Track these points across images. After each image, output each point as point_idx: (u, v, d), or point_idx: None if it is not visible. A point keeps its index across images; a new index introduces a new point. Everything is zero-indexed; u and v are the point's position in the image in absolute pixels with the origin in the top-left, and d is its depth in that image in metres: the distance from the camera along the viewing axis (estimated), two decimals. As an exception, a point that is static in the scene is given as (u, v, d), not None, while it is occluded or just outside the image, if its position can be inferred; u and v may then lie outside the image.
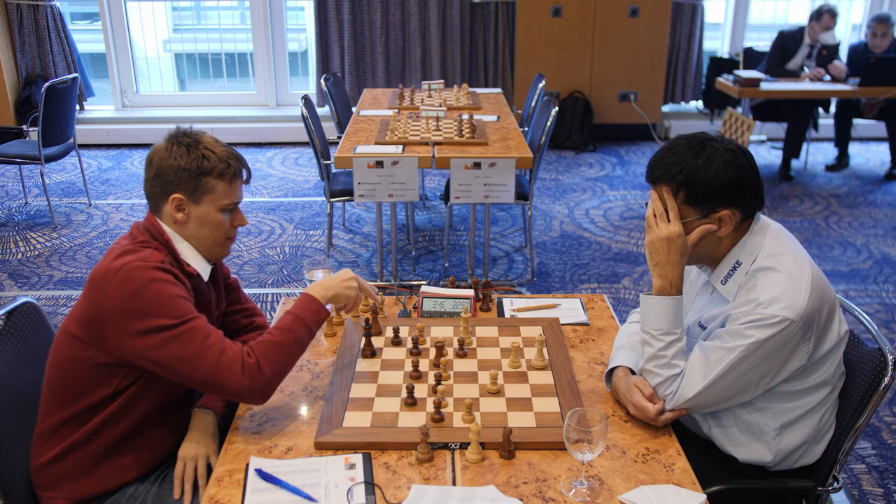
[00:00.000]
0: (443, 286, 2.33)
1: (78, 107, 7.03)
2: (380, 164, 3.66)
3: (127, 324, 1.60)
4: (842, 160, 6.40)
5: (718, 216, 1.67)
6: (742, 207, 1.68)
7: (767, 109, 6.20)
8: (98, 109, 7.26)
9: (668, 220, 1.70)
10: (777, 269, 1.65)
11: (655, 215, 1.73)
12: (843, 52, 6.43)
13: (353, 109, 4.91)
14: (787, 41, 6.17)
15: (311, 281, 2.20)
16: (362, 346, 1.96)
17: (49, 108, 4.81)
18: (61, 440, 1.71)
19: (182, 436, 1.78)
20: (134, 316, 1.60)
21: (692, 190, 1.66)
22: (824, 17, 5.96)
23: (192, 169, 1.71)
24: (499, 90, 5.49)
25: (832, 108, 6.50)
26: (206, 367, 1.61)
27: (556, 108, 4.08)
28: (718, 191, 1.65)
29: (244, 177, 1.81)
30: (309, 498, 1.48)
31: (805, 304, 1.60)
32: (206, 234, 1.77)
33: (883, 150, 6.79)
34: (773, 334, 1.60)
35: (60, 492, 1.72)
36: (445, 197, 4.11)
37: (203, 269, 1.80)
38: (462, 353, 1.96)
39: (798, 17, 7.64)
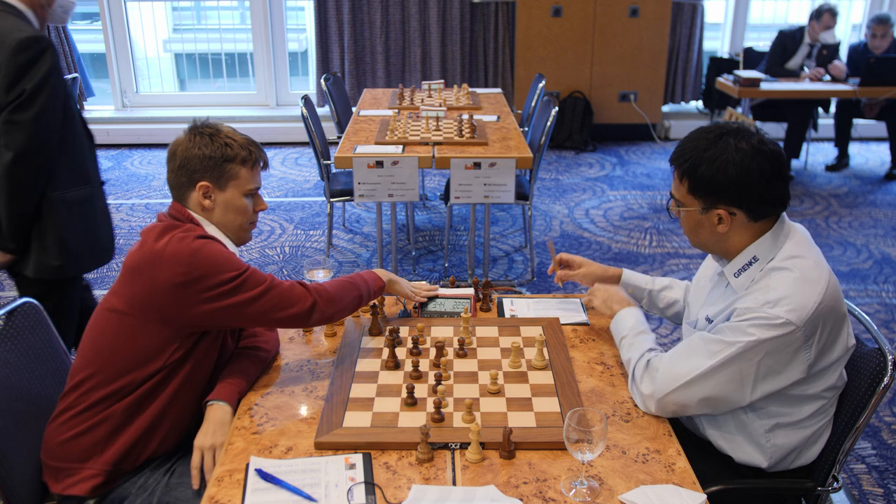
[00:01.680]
0: (443, 286, 2.33)
1: (78, 107, 7.02)
2: (380, 164, 3.66)
3: (191, 294, 1.69)
4: (842, 160, 6.40)
5: (717, 213, 1.67)
6: (746, 210, 1.66)
7: (767, 109, 6.20)
8: (98, 109, 7.26)
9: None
10: (793, 270, 1.63)
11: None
12: (843, 52, 6.43)
13: (353, 109, 4.91)
14: (787, 40, 6.17)
15: (311, 281, 2.20)
16: (385, 357, 1.93)
17: (49, 108, 4.80)
18: (96, 414, 1.74)
19: (193, 427, 1.79)
20: (196, 283, 1.69)
21: (694, 181, 1.67)
22: (824, 16, 5.96)
23: (217, 157, 1.78)
24: (499, 90, 5.49)
25: (832, 108, 6.50)
26: (274, 298, 1.76)
27: (556, 108, 4.08)
28: (717, 188, 1.65)
29: (263, 163, 1.89)
30: (309, 498, 1.48)
31: (812, 311, 1.58)
32: (231, 219, 1.85)
33: (883, 150, 6.79)
34: (774, 336, 1.59)
35: (90, 464, 1.74)
36: (445, 197, 4.11)
37: (234, 250, 1.87)
38: (462, 353, 1.96)
39: (798, 17, 7.64)
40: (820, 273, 1.64)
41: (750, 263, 1.69)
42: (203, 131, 1.81)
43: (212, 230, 1.83)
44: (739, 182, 1.63)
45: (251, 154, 1.83)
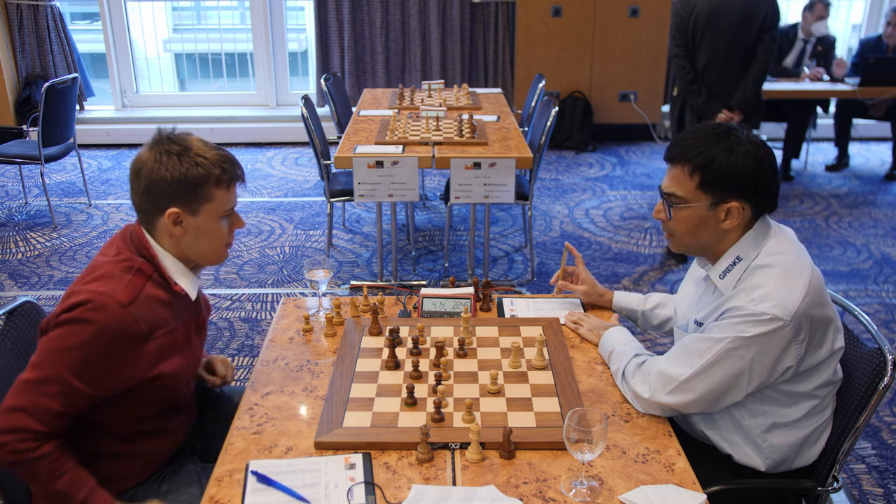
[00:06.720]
0: (443, 286, 2.33)
1: (78, 107, 7.03)
2: (380, 164, 3.66)
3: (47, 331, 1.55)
4: (842, 160, 6.40)
5: (727, 207, 1.67)
6: (754, 203, 1.68)
7: (767, 109, 6.19)
8: (98, 109, 7.26)
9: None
10: (776, 266, 1.65)
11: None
12: (842, 48, 6.41)
13: (353, 109, 4.91)
14: (781, 38, 6.18)
15: (311, 281, 2.20)
16: (385, 357, 1.93)
17: (49, 108, 4.81)
18: None
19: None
20: (52, 329, 1.54)
21: (707, 174, 1.66)
22: (817, 6, 5.95)
23: (187, 180, 1.59)
24: (499, 90, 5.49)
25: (832, 108, 6.50)
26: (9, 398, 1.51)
27: (556, 108, 4.08)
28: (734, 180, 1.65)
29: (239, 180, 1.70)
30: (302, 499, 1.48)
31: (797, 306, 1.60)
32: (204, 245, 1.68)
33: (883, 149, 6.79)
34: (762, 332, 1.60)
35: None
36: (445, 197, 4.11)
37: (191, 288, 1.73)
38: (462, 353, 1.96)
39: (797, 16, 7.62)
40: (801, 267, 1.66)
41: (734, 264, 1.71)
42: (170, 149, 1.59)
43: (169, 262, 1.67)
44: (756, 172, 1.65)
45: (225, 172, 1.62)
